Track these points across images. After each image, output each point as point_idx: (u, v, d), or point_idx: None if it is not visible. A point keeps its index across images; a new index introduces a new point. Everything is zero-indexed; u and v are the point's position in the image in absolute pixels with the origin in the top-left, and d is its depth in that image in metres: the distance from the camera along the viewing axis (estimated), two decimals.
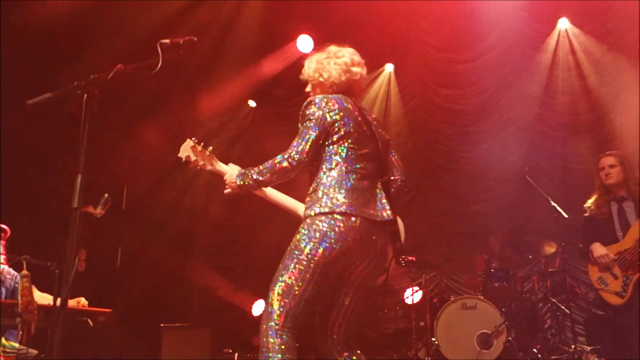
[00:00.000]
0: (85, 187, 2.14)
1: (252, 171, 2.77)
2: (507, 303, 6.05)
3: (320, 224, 2.60)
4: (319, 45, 7.22)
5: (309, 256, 2.57)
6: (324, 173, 2.73)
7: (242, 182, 2.78)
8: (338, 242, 2.59)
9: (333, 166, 2.73)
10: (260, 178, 2.74)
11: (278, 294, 2.55)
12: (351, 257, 2.67)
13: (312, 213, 2.64)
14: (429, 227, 8.21)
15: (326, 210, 2.62)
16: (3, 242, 4.23)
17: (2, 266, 4.31)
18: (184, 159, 3.01)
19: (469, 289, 6.76)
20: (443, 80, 8.32)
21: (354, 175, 2.73)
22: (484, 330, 5.70)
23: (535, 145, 7.71)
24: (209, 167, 2.99)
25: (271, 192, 3.13)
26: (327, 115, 2.73)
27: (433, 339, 5.90)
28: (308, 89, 3.00)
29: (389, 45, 8.26)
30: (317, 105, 2.75)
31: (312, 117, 2.73)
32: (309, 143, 2.70)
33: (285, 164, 2.70)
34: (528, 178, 5.79)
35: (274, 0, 7.37)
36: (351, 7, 7.50)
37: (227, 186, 2.89)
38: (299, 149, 2.69)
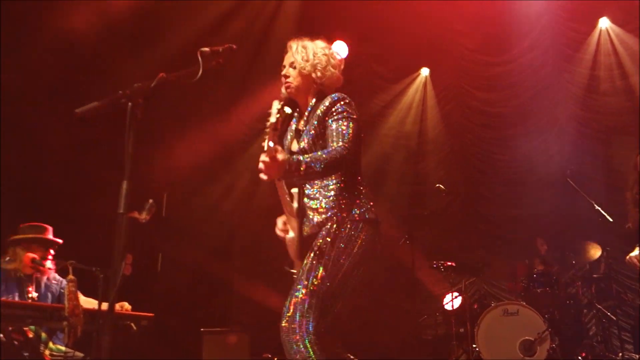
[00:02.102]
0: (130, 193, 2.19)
1: (305, 157, 2.45)
2: (551, 309, 5.90)
3: (354, 227, 2.59)
4: (353, 51, 7.24)
5: (341, 259, 2.54)
6: (350, 176, 2.69)
7: (292, 167, 2.38)
8: (369, 248, 2.61)
9: (356, 170, 2.72)
10: (317, 167, 2.44)
11: (308, 295, 2.49)
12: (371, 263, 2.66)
13: (346, 216, 2.61)
14: (468, 232, 8.10)
15: (358, 215, 2.62)
16: (53, 251, 4.36)
17: (52, 274, 4.43)
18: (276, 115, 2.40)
19: (510, 295, 6.63)
20: (480, 83, 8.22)
21: (363, 182, 2.74)
22: (527, 337, 5.57)
23: (577, 147, 7.55)
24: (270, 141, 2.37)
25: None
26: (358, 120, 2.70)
27: (474, 346, 5.80)
28: (290, 73, 2.80)
29: (424, 49, 8.22)
30: (353, 107, 2.71)
31: (353, 116, 2.67)
32: (353, 140, 2.60)
33: (343, 154, 2.51)
34: (570, 181, 5.66)
35: (309, 2, 7.39)
36: (385, 12, 7.49)
37: (270, 166, 2.36)
38: (350, 145, 2.56)
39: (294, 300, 2.53)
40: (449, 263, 6.22)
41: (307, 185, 2.72)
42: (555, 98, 7.76)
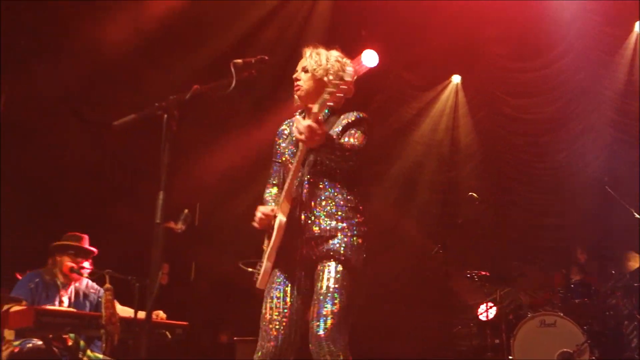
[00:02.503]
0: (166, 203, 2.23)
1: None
2: (589, 320, 5.76)
3: (361, 240, 2.73)
4: (383, 60, 7.25)
5: (356, 272, 2.68)
6: (356, 188, 2.81)
7: (329, 138, 2.54)
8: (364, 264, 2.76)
9: (359, 184, 2.84)
10: (345, 149, 2.62)
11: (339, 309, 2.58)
12: None
13: (356, 231, 2.72)
14: (502, 241, 7.97)
15: (363, 229, 2.75)
16: (90, 260, 4.45)
17: (85, 280, 4.52)
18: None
19: (547, 305, 6.49)
20: (513, 89, 8.12)
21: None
22: (565, 349, 5.43)
23: (614, 153, 7.37)
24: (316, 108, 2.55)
25: None
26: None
27: (510, 357, 5.70)
28: (302, 77, 2.88)
29: (455, 56, 8.17)
30: (371, 129, 2.84)
31: (367, 136, 2.79)
32: (362, 151, 2.74)
33: (360, 148, 2.71)
34: (608, 189, 5.54)
35: (338, 13, 7.42)
36: (415, 19, 7.47)
37: (315, 131, 2.45)
38: (360, 150, 2.72)
39: (325, 311, 2.57)
40: (483, 272, 6.13)
41: (319, 188, 2.76)
42: (591, 104, 7.61)
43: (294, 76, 2.93)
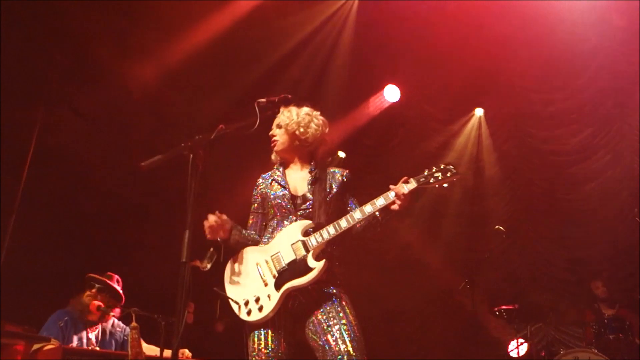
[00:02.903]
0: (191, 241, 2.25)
1: None
2: (625, 357, 5.56)
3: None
4: (405, 94, 7.26)
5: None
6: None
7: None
8: None
9: None
10: None
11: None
12: None
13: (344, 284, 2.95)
14: (530, 274, 7.83)
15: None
16: (118, 305, 4.48)
17: (116, 321, 4.55)
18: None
19: (580, 342, 6.30)
20: (537, 121, 8.05)
21: None
22: None
23: None
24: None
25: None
26: None
27: None
28: (277, 132, 3.14)
29: (477, 89, 8.16)
30: None
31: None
32: None
33: None
34: (638, 219, 5.42)
35: (360, 49, 7.51)
36: (437, 53, 7.50)
37: (410, 200, 2.86)
38: None
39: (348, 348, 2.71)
40: (512, 307, 6.00)
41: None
42: (618, 133, 7.50)
43: (270, 133, 3.18)
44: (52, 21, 5.59)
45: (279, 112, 3.13)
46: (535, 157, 8.03)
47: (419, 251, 8.14)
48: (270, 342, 2.82)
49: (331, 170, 3.16)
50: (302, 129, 3.10)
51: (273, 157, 3.24)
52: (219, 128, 2.50)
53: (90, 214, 6.10)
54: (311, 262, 2.82)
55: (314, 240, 2.85)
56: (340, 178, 3.12)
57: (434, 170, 2.82)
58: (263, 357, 2.80)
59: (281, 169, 3.17)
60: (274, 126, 3.18)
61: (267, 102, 2.87)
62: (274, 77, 6.93)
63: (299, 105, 3.20)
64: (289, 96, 2.98)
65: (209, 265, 2.77)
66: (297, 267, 2.83)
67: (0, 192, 5.19)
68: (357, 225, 2.93)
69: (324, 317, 2.79)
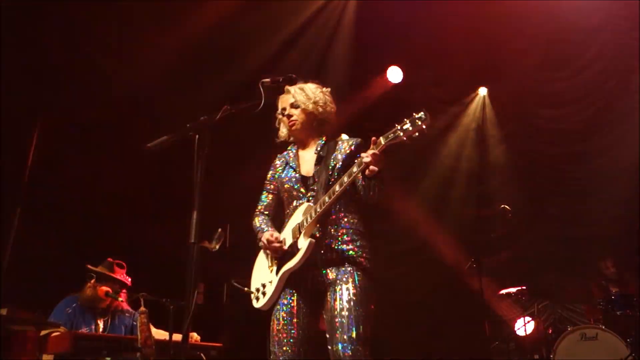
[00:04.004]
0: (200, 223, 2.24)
1: None
2: (632, 333, 5.57)
3: (371, 265, 2.86)
4: (409, 75, 7.20)
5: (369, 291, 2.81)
6: (366, 222, 2.96)
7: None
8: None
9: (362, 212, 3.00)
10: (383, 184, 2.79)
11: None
12: None
13: (368, 264, 2.84)
14: (537, 254, 7.81)
15: (371, 254, 2.88)
16: (124, 290, 4.50)
17: (125, 306, 4.57)
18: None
19: (587, 318, 6.31)
20: (542, 100, 8.00)
21: None
22: None
23: None
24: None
25: None
26: None
27: None
28: (293, 113, 3.06)
29: (481, 69, 8.09)
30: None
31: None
32: None
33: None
34: None
35: (362, 29, 7.44)
36: (439, 33, 7.43)
37: (381, 159, 2.66)
38: None
39: (345, 336, 2.65)
40: (519, 287, 6.00)
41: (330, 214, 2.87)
42: (622, 111, 7.45)
43: (286, 113, 3.11)
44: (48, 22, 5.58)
45: (283, 92, 3.11)
46: (539, 136, 7.99)
47: (424, 233, 8.14)
48: (287, 324, 2.82)
49: (340, 142, 3.06)
50: (320, 108, 3.06)
51: (282, 136, 3.19)
52: (224, 108, 2.49)
53: (95, 200, 6.10)
54: (301, 242, 2.82)
55: (305, 221, 2.83)
56: (347, 149, 3.00)
57: (403, 122, 2.60)
58: (283, 336, 2.80)
59: (294, 150, 3.14)
60: (285, 105, 3.11)
61: (271, 82, 2.85)
62: (275, 59, 6.89)
63: (305, 82, 3.14)
64: (293, 75, 2.95)
65: (217, 246, 2.78)
66: (293, 250, 2.85)
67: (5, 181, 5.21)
68: (362, 193, 2.83)
69: (333, 300, 2.75)
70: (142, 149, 2.38)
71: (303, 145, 3.13)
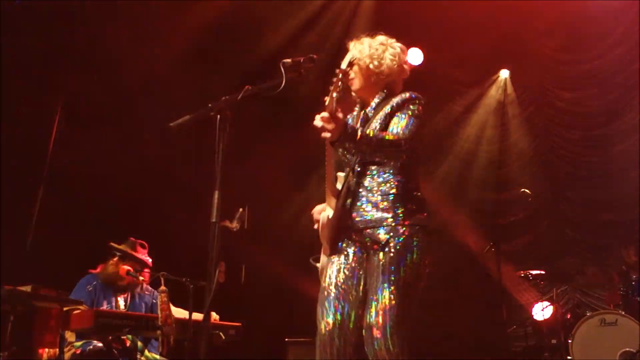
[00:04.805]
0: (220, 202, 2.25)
1: (363, 129, 2.52)
2: None
3: (421, 241, 2.59)
4: (429, 57, 7.11)
5: (412, 278, 2.59)
6: (411, 180, 2.68)
7: (349, 131, 2.39)
8: (431, 261, 2.68)
9: (417, 175, 2.73)
10: (372, 141, 2.47)
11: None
12: None
13: (409, 225, 2.57)
14: (557, 238, 7.77)
15: (421, 227, 2.59)
16: (145, 270, 4.54)
17: (145, 285, 4.62)
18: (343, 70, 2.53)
19: (607, 304, 6.27)
20: (564, 82, 7.90)
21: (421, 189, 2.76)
22: (628, 349, 5.23)
23: None
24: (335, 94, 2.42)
25: None
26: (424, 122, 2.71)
27: (569, 358, 5.52)
28: (353, 71, 2.79)
29: (503, 51, 7.99)
30: (424, 109, 2.69)
31: (420, 116, 2.65)
32: (412, 137, 2.59)
33: (399, 143, 2.53)
34: None
35: (382, 10, 7.37)
36: (461, 14, 7.34)
37: (329, 122, 2.36)
38: (408, 138, 2.56)
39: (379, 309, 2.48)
40: (538, 271, 5.96)
41: (366, 176, 2.67)
42: None
43: (345, 71, 2.80)
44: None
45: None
46: (561, 119, 7.90)
47: (443, 216, 8.10)
48: (334, 278, 2.65)
49: (393, 99, 2.72)
50: (375, 62, 2.75)
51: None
52: (245, 88, 2.47)
53: (115, 180, 6.15)
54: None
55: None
56: (395, 105, 2.67)
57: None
58: (331, 289, 2.63)
59: (357, 110, 2.87)
60: (344, 65, 2.74)
61: (292, 63, 2.81)
62: (297, 40, 6.87)
63: (372, 35, 2.86)
64: (314, 56, 2.88)
65: (238, 226, 2.78)
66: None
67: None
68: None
69: (369, 274, 2.58)
70: (165, 128, 2.38)
71: (366, 105, 2.83)
